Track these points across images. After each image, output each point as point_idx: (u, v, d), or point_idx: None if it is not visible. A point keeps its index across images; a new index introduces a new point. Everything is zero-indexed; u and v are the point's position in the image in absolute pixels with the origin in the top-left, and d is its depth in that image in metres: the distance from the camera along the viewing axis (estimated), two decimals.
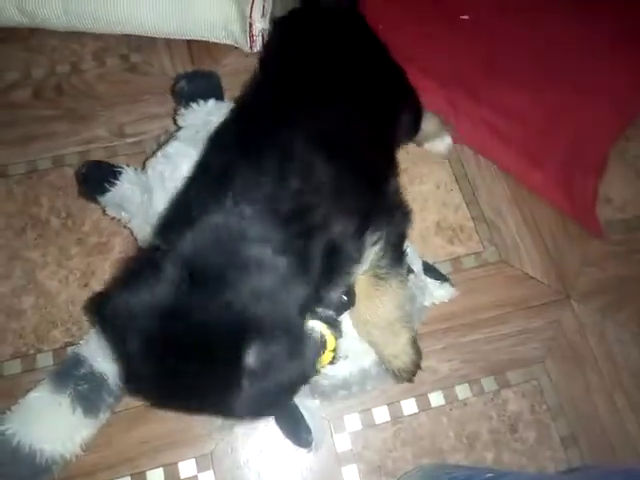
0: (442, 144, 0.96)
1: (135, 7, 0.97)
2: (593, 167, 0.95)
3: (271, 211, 0.53)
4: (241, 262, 0.49)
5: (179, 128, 0.81)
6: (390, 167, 0.75)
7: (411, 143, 0.96)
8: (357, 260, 0.62)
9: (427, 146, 0.96)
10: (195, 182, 0.62)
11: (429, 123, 0.94)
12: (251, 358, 0.45)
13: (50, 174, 0.91)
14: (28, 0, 0.96)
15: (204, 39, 1.03)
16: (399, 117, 0.82)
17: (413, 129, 0.90)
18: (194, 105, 0.80)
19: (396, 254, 0.67)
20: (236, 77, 0.93)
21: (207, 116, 0.79)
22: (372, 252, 0.63)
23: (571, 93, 1.00)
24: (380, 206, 0.65)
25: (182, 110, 0.81)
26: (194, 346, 0.47)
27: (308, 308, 0.55)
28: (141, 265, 0.52)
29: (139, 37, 1.04)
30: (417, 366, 0.69)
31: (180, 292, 0.48)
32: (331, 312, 0.64)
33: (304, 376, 0.53)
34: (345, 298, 0.66)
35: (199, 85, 0.83)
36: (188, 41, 1.04)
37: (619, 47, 1.05)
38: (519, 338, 0.82)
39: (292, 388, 0.53)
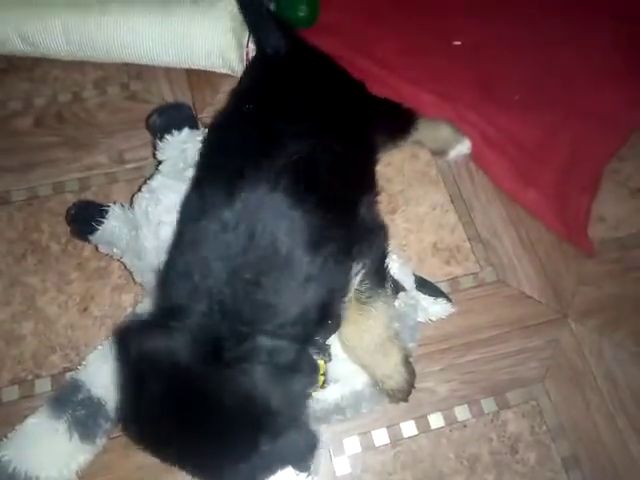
0: (464, 147, 0.97)
1: (135, 37, 0.99)
2: (586, 186, 0.96)
3: None
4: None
5: (160, 162, 0.84)
6: (364, 185, 0.76)
7: (410, 163, 0.99)
8: (345, 295, 0.63)
9: (452, 154, 0.98)
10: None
11: (443, 131, 0.98)
12: (264, 444, 0.51)
13: (51, 200, 0.93)
14: (30, 29, 0.99)
15: (202, 68, 1.05)
16: (373, 129, 0.85)
17: (398, 132, 0.93)
18: (169, 137, 0.83)
19: (377, 276, 0.68)
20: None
21: (182, 145, 0.82)
22: (356, 281, 0.64)
23: (565, 114, 1.02)
24: (360, 232, 0.67)
25: (159, 144, 0.84)
26: (210, 417, 0.52)
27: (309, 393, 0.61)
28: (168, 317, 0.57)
29: (139, 65, 1.06)
30: (411, 385, 0.69)
31: (202, 360, 0.53)
32: (317, 337, 0.65)
33: (300, 464, 0.59)
34: (330, 322, 0.66)
35: (171, 117, 0.86)
36: (187, 69, 1.07)
37: (610, 71, 1.09)
38: (518, 358, 0.82)
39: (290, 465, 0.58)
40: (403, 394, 0.69)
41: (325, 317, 0.62)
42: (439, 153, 0.99)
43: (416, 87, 1.04)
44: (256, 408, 0.52)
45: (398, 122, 0.95)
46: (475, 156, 0.99)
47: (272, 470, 0.55)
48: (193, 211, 0.64)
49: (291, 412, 0.54)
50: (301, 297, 0.58)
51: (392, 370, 0.68)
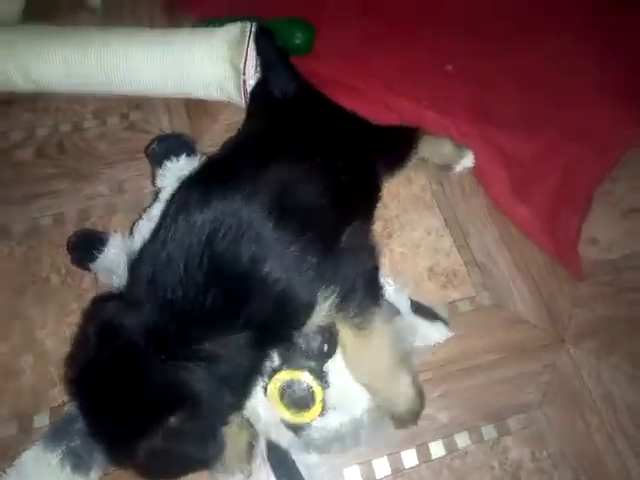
0: (468, 160, 1.00)
1: (134, 70, 1.02)
2: (578, 207, 0.97)
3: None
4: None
5: (160, 190, 0.85)
6: (356, 212, 0.77)
7: (405, 188, 1.01)
8: (308, 314, 0.64)
9: (457, 168, 1.00)
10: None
11: (446, 147, 1.00)
12: (172, 421, 0.54)
13: (51, 232, 0.94)
14: (33, 68, 1.01)
15: (200, 97, 1.07)
16: (376, 157, 0.88)
17: (398, 161, 0.95)
18: (167, 163, 0.86)
19: (368, 298, 0.68)
20: (233, 132, 0.98)
21: (180, 172, 0.84)
22: (327, 306, 0.65)
23: (559, 134, 1.04)
24: (340, 256, 0.67)
25: (159, 171, 0.87)
26: (132, 391, 0.56)
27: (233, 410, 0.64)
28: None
29: (138, 96, 1.08)
30: (422, 407, 0.69)
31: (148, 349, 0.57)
32: (313, 363, 0.65)
33: (203, 461, 0.62)
34: (326, 347, 0.67)
35: (169, 145, 0.89)
36: (185, 98, 1.09)
37: (603, 92, 1.11)
38: (516, 383, 0.82)
39: (189, 464, 0.61)
40: (414, 417, 0.69)
41: (283, 335, 0.64)
42: (444, 168, 1.02)
43: (415, 104, 1.07)
44: (175, 391, 0.56)
45: (401, 146, 0.97)
46: (474, 170, 1.01)
47: (174, 458, 0.58)
48: (173, 209, 0.67)
49: (210, 407, 0.58)
50: (255, 311, 0.60)
51: (403, 394, 0.68)
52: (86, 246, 0.81)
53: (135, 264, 0.67)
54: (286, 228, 0.63)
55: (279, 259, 0.61)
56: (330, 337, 0.69)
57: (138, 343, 0.57)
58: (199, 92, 1.06)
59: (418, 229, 0.98)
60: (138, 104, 1.09)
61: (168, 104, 1.09)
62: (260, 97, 0.94)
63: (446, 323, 0.81)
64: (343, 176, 0.75)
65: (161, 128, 1.05)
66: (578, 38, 1.20)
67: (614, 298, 0.91)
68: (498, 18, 1.24)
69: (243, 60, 1.00)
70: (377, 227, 0.92)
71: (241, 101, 1.04)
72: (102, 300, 0.69)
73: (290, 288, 0.62)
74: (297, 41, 1.11)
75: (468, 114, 1.06)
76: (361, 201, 0.81)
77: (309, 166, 0.72)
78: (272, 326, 0.62)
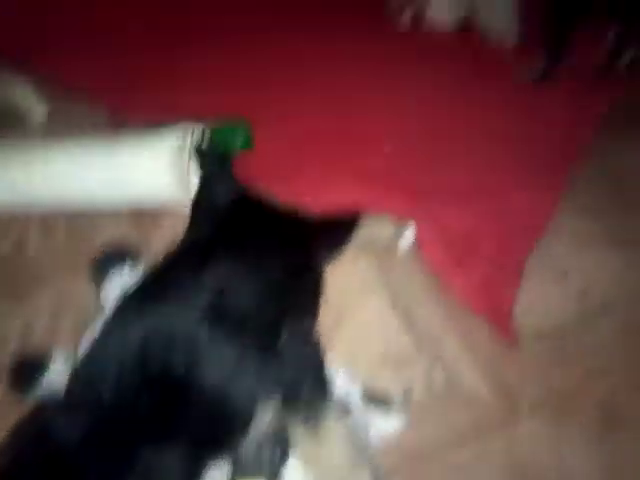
0: (409, 237, 1.05)
1: (78, 184, 1.05)
2: (511, 276, 1.02)
3: None
4: None
5: (104, 303, 0.86)
6: (297, 309, 0.80)
7: (350, 272, 1.03)
8: (250, 421, 0.64)
9: (401, 244, 1.05)
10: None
11: (385, 227, 1.05)
12: None
13: None
14: None
15: (145, 203, 1.10)
16: (315, 249, 0.92)
17: (339, 245, 1.00)
18: (111, 276, 0.88)
19: (317, 396, 0.70)
20: (179, 237, 0.97)
21: (124, 283, 0.85)
22: (271, 409, 0.65)
23: (488, 210, 1.12)
24: (282, 359, 0.68)
25: (102, 284, 0.88)
26: None
27: None
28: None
29: (83, 207, 1.09)
30: None
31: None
32: (267, 470, 0.64)
33: None
34: (278, 454, 0.66)
35: (112, 256, 0.92)
36: (130, 206, 1.11)
37: (530, 167, 1.21)
38: (475, 466, 0.82)
39: None
40: None
41: (224, 444, 0.63)
42: (387, 248, 1.06)
43: (354, 187, 1.12)
44: None
45: (340, 232, 1.02)
46: (416, 247, 1.06)
47: None
48: (111, 320, 0.69)
49: None
50: (191, 419, 0.60)
51: None
52: (25, 376, 0.79)
53: (75, 372, 0.68)
54: (222, 332, 0.65)
55: (215, 364, 0.63)
56: (281, 442, 0.68)
57: (69, 449, 0.57)
58: (144, 199, 1.09)
59: (366, 314, 0.99)
60: (82, 215, 1.10)
61: (113, 213, 1.10)
62: (201, 203, 0.98)
63: (400, 412, 0.81)
64: (281, 274, 0.78)
65: (105, 238, 1.06)
66: (498, 117, 1.32)
67: (558, 365, 0.93)
68: (426, 103, 1.36)
69: (186, 165, 1.04)
70: (324, 317, 0.92)
71: (186, 206, 1.07)
72: (41, 405, 0.70)
73: (228, 394, 0.62)
74: (238, 141, 1.16)
75: (405, 193, 1.12)
76: (301, 296, 0.83)
77: (246, 268, 0.75)
78: (211, 435, 0.62)
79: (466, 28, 1.59)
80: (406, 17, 1.59)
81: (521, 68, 1.44)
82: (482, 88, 1.42)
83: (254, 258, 0.78)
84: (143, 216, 1.11)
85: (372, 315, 0.99)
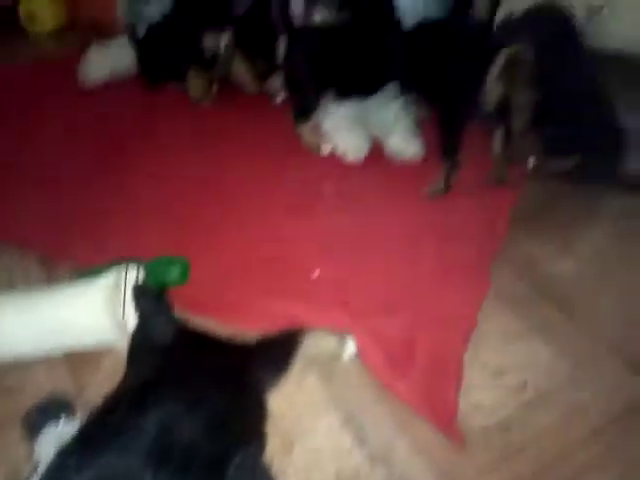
0: (351, 347, 1.09)
1: (8, 338, 1.02)
2: (450, 378, 1.06)
3: None
4: None
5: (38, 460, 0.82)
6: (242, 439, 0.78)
7: (298, 393, 1.04)
8: None
9: (344, 356, 1.08)
10: None
11: (326, 341, 1.08)
12: None
13: None
14: None
15: (81, 348, 1.08)
16: (256, 375, 0.92)
17: (282, 365, 1.01)
18: (45, 430, 0.85)
19: None
20: (117, 378, 0.95)
21: (59, 437, 0.82)
22: None
23: (418, 317, 1.19)
24: None
25: (36, 439, 0.84)
26: None
27: None
28: None
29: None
30: None
31: None
32: None
33: None
34: None
35: (46, 409, 0.89)
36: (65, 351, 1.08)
37: (448, 274, 1.31)
38: None
39: None
40: None
41: None
42: (332, 359, 1.08)
43: (291, 307, 1.17)
44: None
45: (281, 352, 1.03)
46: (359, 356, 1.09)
47: None
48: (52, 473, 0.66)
49: None
50: None
51: None
52: None
53: None
54: (168, 477, 0.63)
55: None
56: None
57: None
58: (80, 344, 1.07)
59: (317, 434, 0.98)
60: (12, 366, 1.05)
61: (46, 360, 1.07)
62: (139, 343, 0.98)
63: None
64: (224, 405, 0.78)
65: (38, 388, 1.02)
66: (414, 224, 1.46)
67: (510, 460, 0.94)
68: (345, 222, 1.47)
69: (122, 305, 1.05)
70: (274, 443, 0.90)
71: (123, 346, 1.06)
72: None
73: None
74: (173, 276, 1.20)
75: (340, 307, 1.18)
76: (247, 425, 0.83)
77: (188, 405, 0.74)
78: None
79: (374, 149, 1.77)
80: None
81: (428, 184, 1.59)
82: (398, 199, 1.57)
83: (195, 393, 0.78)
84: (80, 361, 1.08)
85: (323, 437, 0.98)
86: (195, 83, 2.02)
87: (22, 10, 2.43)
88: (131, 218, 1.42)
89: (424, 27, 1.64)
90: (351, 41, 1.64)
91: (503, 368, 1.12)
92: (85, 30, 1.95)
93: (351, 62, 1.63)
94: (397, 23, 1.65)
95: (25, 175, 1.56)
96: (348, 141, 1.69)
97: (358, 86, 1.71)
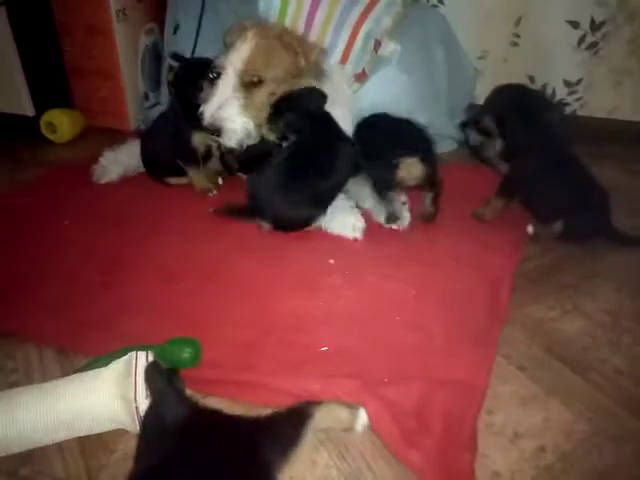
0: (363, 418, 1.09)
1: (23, 431, 1.03)
2: (465, 445, 1.04)
3: None
4: None
5: None
6: None
7: (311, 470, 1.02)
8: None
9: (357, 427, 1.08)
10: None
11: (338, 413, 1.07)
12: None
13: None
14: None
15: (94, 433, 1.09)
16: (266, 451, 0.93)
17: (293, 445, 0.98)
18: None
19: None
20: (130, 461, 0.97)
21: None
22: None
23: (430, 383, 1.18)
24: None
25: None
26: None
27: None
28: None
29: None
30: None
31: None
32: None
33: None
34: None
35: None
36: (78, 437, 1.09)
37: (453, 339, 1.31)
38: None
39: None
40: None
41: None
42: (346, 430, 1.08)
43: (302, 382, 1.17)
44: None
45: (292, 428, 1.02)
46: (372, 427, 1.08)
47: None
48: None
49: None
50: None
51: None
52: None
53: None
54: None
55: None
56: None
57: None
58: (93, 430, 1.08)
59: None
60: (28, 456, 1.06)
61: (60, 448, 1.07)
62: (151, 424, 0.98)
63: None
64: None
65: (54, 476, 1.02)
66: (416, 290, 1.50)
67: None
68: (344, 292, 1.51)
69: (133, 390, 1.07)
70: None
71: (136, 427, 1.07)
72: None
73: None
74: (186, 355, 1.22)
75: (350, 378, 1.17)
76: None
77: None
78: None
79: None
80: None
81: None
82: (399, 268, 1.61)
83: (208, 475, 0.79)
84: (94, 446, 1.08)
85: None
86: (197, 178, 2.12)
87: (43, 121, 2.66)
88: (145, 308, 1.45)
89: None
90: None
91: (519, 433, 1.10)
92: (99, 137, 2.11)
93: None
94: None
95: (44, 268, 1.63)
96: (344, 223, 1.79)
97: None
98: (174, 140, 2.06)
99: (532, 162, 1.71)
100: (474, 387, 1.17)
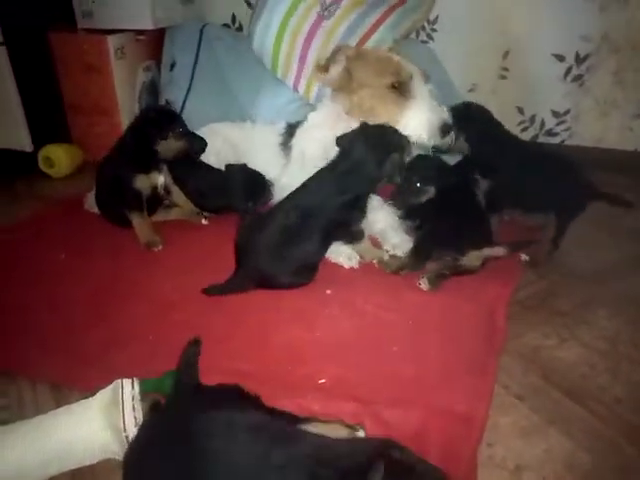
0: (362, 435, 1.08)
1: (17, 466, 1.01)
2: (465, 474, 1.03)
3: None
4: None
5: None
6: None
7: None
8: None
9: None
10: None
11: (339, 432, 1.07)
12: None
13: None
14: None
15: (85, 464, 1.07)
16: None
17: None
18: None
19: None
20: None
21: None
22: None
23: (434, 405, 1.18)
24: None
25: None
26: None
27: None
28: None
29: None
30: None
31: None
32: None
33: None
34: None
35: None
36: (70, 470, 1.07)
37: (450, 369, 1.31)
38: None
39: None
40: None
41: None
42: None
43: (296, 400, 1.16)
44: None
45: None
46: None
47: None
48: None
49: None
50: None
51: None
52: None
53: None
54: None
55: None
56: None
57: None
58: (84, 462, 1.06)
59: None
60: None
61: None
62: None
63: None
64: None
65: None
66: (412, 319, 1.50)
67: None
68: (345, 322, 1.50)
69: (122, 419, 1.06)
70: None
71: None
72: None
73: None
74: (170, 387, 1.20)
75: (349, 401, 1.17)
76: None
77: None
78: None
79: None
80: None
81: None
82: (396, 298, 1.61)
83: None
84: (84, 475, 1.06)
85: None
86: (141, 228, 1.88)
87: (41, 156, 2.68)
88: (140, 340, 1.44)
89: None
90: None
91: (521, 465, 1.09)
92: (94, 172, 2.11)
93: None
94: None
95: (39, 302, 1.62)
96: (339, 252, 1.80)
97: None
98: (115, 183, 1.88)
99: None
100: (473, 419, 1.15)
